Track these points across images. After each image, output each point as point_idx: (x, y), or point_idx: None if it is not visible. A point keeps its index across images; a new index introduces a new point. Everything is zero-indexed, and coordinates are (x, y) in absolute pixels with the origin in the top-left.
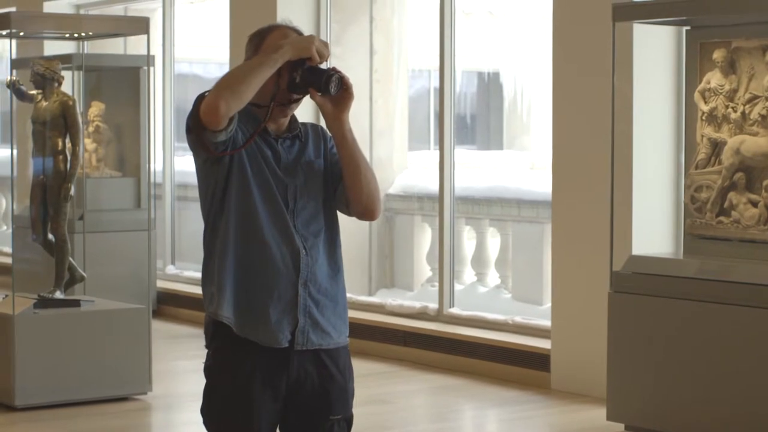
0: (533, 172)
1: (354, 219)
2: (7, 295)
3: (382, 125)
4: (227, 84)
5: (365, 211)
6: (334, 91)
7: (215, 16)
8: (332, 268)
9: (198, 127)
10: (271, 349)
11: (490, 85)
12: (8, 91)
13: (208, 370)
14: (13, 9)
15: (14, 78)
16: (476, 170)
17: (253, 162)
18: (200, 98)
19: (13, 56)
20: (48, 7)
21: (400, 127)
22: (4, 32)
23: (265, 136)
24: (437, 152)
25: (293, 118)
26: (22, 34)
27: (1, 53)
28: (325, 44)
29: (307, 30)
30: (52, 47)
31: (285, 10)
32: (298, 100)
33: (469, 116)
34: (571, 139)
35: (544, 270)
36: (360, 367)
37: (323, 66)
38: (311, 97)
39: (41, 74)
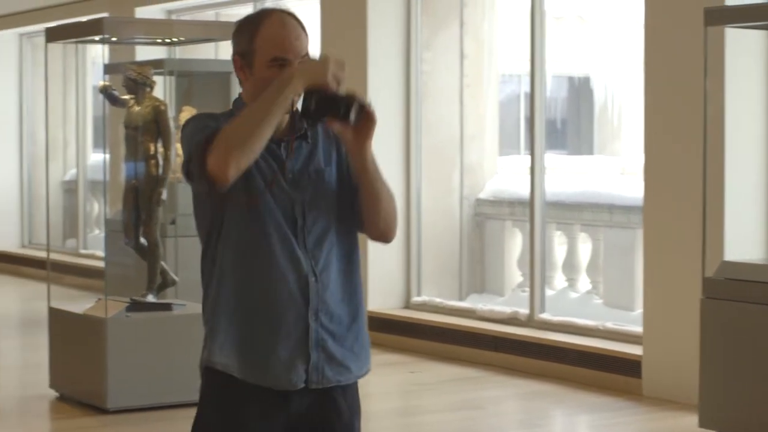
0: (624, 177)
1: (444, 222)
2: (100, 299)
3: (472, 130)
4: (237, 139)
5: (380, 236)
6: (355, 120)
7: (305, 21)
8: (348, 291)
9: (204, 179)
10: (274, 391)
11: (580, 90)
12: (101, 96)
13: (198, 424)
14: (105, 15)
15: (107, 83)
16: (567, 175)
17: (250, 177)
18: (204, 145)
19: (106, 61)
20: (140, 13)
21: (491, 131)
22: (96, 38)
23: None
24: (528, 157)
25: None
26: (114, 39)
27: (94, 59)
28: (341, 64)
29: (398, 36)
30: (144, 52)
31: (375, 16)
32: (308, 131)
33: (560, 121)
34: (662, 144)
35: (636, 275)
36: (450, 372)
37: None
38: (328, 126)
39: (133, 79)
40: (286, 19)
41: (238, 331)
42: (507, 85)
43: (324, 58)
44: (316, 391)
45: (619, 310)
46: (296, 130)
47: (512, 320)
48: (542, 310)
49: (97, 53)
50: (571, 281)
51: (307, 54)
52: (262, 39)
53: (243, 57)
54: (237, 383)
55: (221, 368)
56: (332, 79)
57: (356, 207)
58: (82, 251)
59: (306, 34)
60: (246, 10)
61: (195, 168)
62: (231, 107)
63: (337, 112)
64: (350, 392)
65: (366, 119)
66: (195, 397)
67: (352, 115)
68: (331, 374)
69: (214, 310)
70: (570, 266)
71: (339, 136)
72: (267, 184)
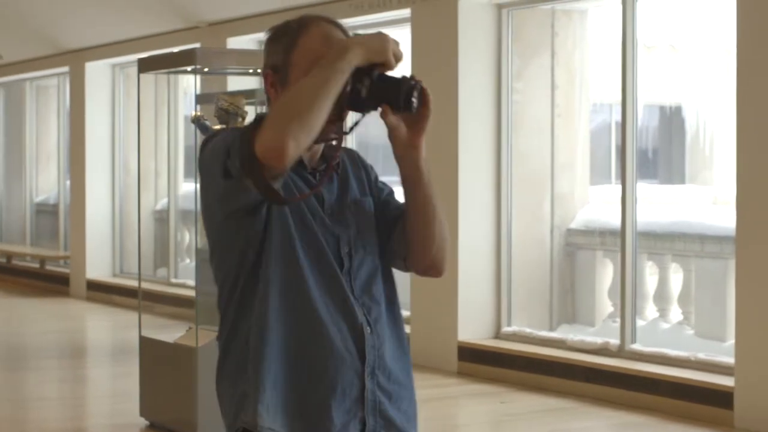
0: (716, 206)
1: (535, 251)
2: (190, 328)
3: (563, 159)
4: (292, 113)
5: (432, 266)
6: (417, 107)
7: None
8: (399, 346)
9: (258, 172)
10: None
11: (672, 119)
12: (193, 126)
13: None
14: (197, 45)
15: (199, 113)
16: (658, 205)
17: (294, 210)
18: (249, 134)
19: (198, 92)
20: (231, 44)
21: (582, 161)
22: (189, 68)
23: (299, 170)
24: (619, 186)
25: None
26: (206, 70)
27: (186, 89)
28: (398, 43)
29: (489, 66)
30: (236, 83)
31: (467, 46)
32: (357, 124)
33: (651, 150)
34: (755, 173)
35: (728, 306)
36: (541, 402)
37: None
38: (382, 116)
39: (225, 109)
40: (330, 31)
41: (287, 391)
42: (598, 114)
43: (379, 32)
44: None
45: (711, 340)
46: (334, 152)
47: (603, 351)
48: (633, 341)
49: (189, 83)
50: (663, 312)
51: None
52: (302, 53)
53: (276, 72)
54: None
55: None
56: (392, 58)
57: (399, 236)
58: (173, 280)
59: None
60: None
61: (241, 161)
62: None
63: (396, 98)
64: None
65: (423, 108)
66: None
67: (415, 102)
68: None
69: (258, 363)
70: (661, 296)
71: (390, 131)
72: (293, 197)
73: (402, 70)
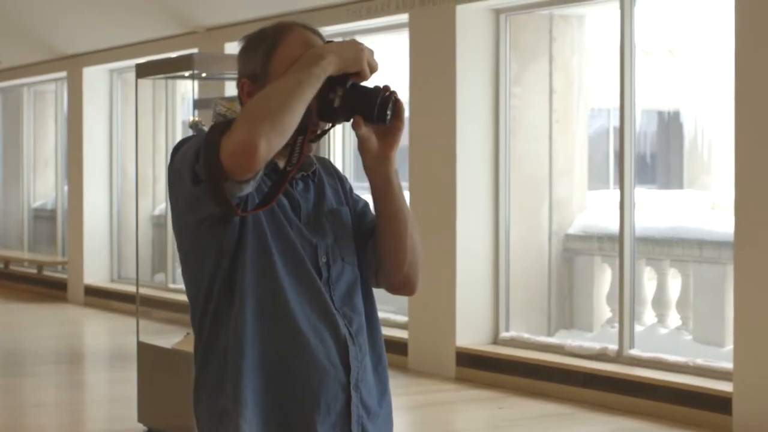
0: (714, 211)
1: (533, 257)
2: (188, 333)
3: (561, 165)
4: (263, 114)
5: (405, 283)
6: (391, 118)
7: (394, 57)
8: (378, 362)
9: (216, 177)
10: None
11: (670, 124)
12: (191, 131)
13: None
14: (195, 51)
15: (197, 119)
16: (656, 210)
17: (270, 217)
18: (214, 137)
19: (196, 97)
20: (229, 49)
21: (580, 166)
22: (186, 73)
23: (274, 176)
24: (617, 191)
25: None
26: (204, 75)
27: (184, 94)
28: (373, 53)
29: (487, 71)
30: (233, 88)
31: (465, 51)
32: (325, 132)
33: (649, 155)
34: (753, 178)
35: (726, 311)
36: (539, 408)
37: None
38: (354, 127)
39: (223, 115)
40: (310, 37)
41: (268, 406)
42: (596, 119)
43: (353, 40)
44: None
45: (709, 346)
46: (313, 133)
47: (601, 356)
48: (631, 346)
49: (187, 89)
50: (661, 317)
51: None
52: (281, 60)
53: (254, 81)
54: None
55: None
56: (367, 68)
57: (370, 250)
58: (171, 286)
59: None
60: None
61: (205, 167)
62: None
63: (370, 110)
64: None
65: (395, 120)
66: None
67: (389, 114)
68: None
69: (235, 379)
70: (659, 302)
71: (361, 142)
72: (264, 201)
73: (400, 74)
